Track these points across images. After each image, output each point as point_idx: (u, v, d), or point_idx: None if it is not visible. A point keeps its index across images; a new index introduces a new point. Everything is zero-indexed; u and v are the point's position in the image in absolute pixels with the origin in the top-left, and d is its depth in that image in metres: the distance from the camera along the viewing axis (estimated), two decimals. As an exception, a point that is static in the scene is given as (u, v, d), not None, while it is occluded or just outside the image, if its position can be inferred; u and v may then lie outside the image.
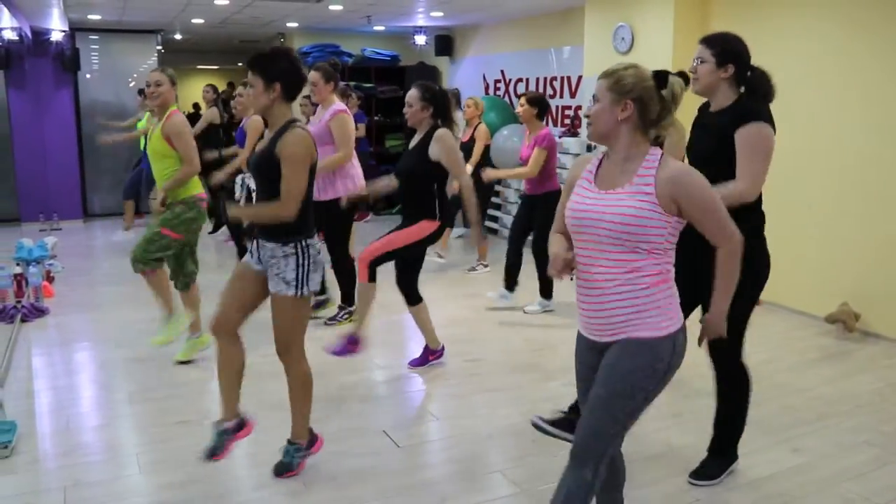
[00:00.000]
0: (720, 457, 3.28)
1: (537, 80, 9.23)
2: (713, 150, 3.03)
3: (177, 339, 4.53)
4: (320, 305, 5.69)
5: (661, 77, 2.27)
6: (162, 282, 4.59)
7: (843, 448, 3.74)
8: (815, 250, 5.85)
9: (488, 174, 5.94)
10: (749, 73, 3.05)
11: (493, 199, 9.17)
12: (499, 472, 3.47)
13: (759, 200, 3.08)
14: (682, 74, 2.52)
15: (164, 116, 4.52)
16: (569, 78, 8.64)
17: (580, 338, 2.47)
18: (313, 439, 3.40)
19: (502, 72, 9.89)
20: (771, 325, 5.73)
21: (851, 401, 4.34)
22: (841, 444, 3.78)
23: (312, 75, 5.36)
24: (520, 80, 9.57)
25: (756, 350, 5.07)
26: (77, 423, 3.96)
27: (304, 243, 3.10)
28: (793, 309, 6.01)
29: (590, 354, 2.42)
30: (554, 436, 3.22)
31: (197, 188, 4.59)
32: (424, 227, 4.34)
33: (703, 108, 3.24)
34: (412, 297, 4.56)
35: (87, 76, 10.32)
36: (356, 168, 5.49)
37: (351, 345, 4.45)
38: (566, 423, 3.17)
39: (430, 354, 4.72)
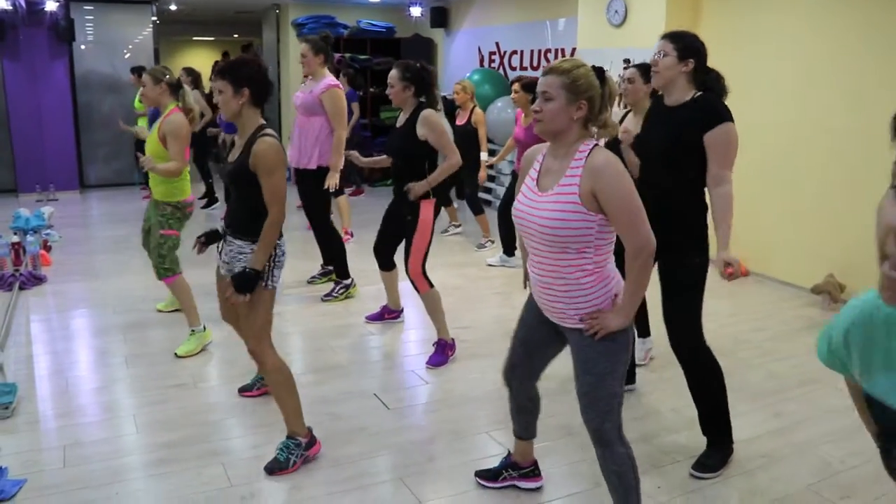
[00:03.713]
0: (719, 448, 3.28)
1: (532, 52, 9.23)
2: (668, 144, 3.09)
3: (201, 350, 4.52)
4: (347, 289, 5.68)
5: (600, 73, 2.38)
6: (184, 289, 4.55)
7: (824, 413, 3.84)
8: (802, 224, 5.92)
9: None
10: (707, 74, 3.13)
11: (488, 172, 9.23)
12: (485, 434, 3.57)
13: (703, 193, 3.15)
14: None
15: (162, 116, 4.49)
16: (563, 50, 8.64)
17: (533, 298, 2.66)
18: (312, 440, 3.31)
19: (497, 44, 9.89)
20: (759, 296, 5.82)
21: (833, 368, 4.43)
22: (821, 409, 3.88)
23: (302, 47, 5.44)
24: (514, 52, 9.57)
25: (743, 319, 5.22)
26: (75, 386, 4.05)
27: None
28: (780, 280, 6.10)
29: (536, 315, 2.64)
30: None
31: (185, 193, 4.54)
32: (427, 213, 4.34)
33: (659, 101, 3.27)
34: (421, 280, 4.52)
35: (83, 47, 10.27)
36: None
37: (448, 350, 4.49)
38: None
39: (449, 349, 4.55)
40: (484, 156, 7.16)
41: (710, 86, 3.13)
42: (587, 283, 2.36)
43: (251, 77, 3.09)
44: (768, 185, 6.03)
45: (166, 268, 4.50)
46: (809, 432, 3.62)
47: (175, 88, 4.53)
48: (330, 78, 5.43)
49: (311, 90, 5.44)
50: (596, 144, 2.37)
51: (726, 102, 3.12)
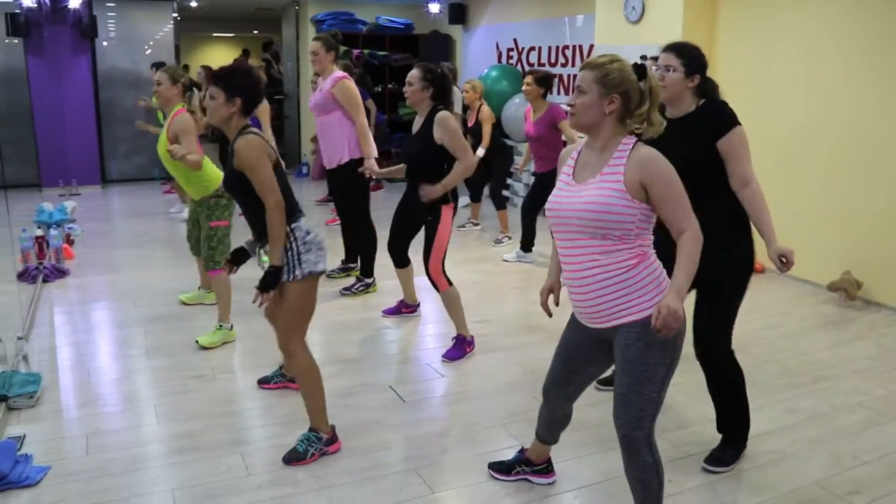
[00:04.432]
0: (733, 445, 3.31)
1: (550, 48, 9.24)
2: (686, 156, 2.90)
3: (220, 345, 4.58)
4: (367, 287, 5.70)
5: (641, 70, 2.38)
6: (225, 284, 4.60)
7: (837, 409, 3.85)
8: (818, 220, 5.91)
9: None
10: (705, 84, 3.13)
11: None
12: (500, 426, 3.61)
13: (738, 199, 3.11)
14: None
15: (170, 116, 4.60)
16: (581, 46, 8.65)
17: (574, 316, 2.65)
18: (334, 438, 3.34)
19: (515, 40, 9.90)
20: (775, 293, 5.82)
21: (848, 365, 4.43)
22: (834, 405, 3.89)
23: (313, 45, 5.49)
24: (532, 48, 9.58)
25: (760, 316, 5.21)
26: (97, 377, 4.14)
27: (288, 229, 3.16)
28: (797, 277, 6.08)
29: (578, 332, 2.62)
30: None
31: (217, 179, 4.61)
32: (447, 216, 4.37)
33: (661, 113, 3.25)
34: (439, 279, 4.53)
35: (105, 44, 10.41)
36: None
37: (466, 347, 4.51)
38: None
39: (468, 346, 4.55)
40: (480, 151, 7.14)
41: (711, 94, 3.14)
42: (632, 263, 2.35)
43: (245, 87, 3.14)
44: (784, 182, 6.02)
45: (216, 260, 4.61)
46: (822, 428, 3.63)
47: (186, 90, 4.63)
48: (338, 72, 5.48)
49: (321, 88, 5.50)
50: (638, 140, 2.39)
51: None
